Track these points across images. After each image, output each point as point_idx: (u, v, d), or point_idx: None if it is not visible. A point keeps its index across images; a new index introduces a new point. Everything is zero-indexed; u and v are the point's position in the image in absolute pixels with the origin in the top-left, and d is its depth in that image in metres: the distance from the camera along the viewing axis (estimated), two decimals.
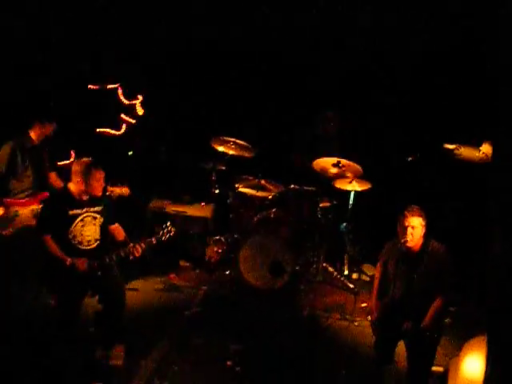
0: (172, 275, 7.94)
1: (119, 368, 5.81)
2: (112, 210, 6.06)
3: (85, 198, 5.76)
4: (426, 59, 8.36)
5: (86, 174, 5.67)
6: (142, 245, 5.80)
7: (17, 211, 6.63)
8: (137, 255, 5.79)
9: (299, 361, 6.31)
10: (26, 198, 6.71)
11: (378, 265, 5.68)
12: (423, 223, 5.21)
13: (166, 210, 8.20)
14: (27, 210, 6.67)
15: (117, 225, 6.07)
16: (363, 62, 8.67)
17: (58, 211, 5.67)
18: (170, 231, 5.97)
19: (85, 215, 5.75)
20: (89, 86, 8.71)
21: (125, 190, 6.87)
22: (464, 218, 7.84)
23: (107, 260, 5.72)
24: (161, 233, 5.94)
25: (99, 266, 5.66)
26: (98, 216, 5.84)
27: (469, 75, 8.05)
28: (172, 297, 7.46)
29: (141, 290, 7.46)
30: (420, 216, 5.21)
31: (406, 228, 5.18)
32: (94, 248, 5.82)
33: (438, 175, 8.14)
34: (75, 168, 5.77)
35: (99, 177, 5.72)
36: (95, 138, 8.78)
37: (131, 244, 5.82)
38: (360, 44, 8.55)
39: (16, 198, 6.68)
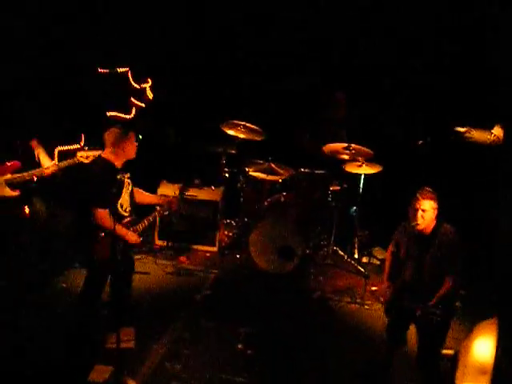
0: (183, 258, 7.97)
1: (130, 351, 5.84)
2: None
3: (119, 165, 5.71)
4: (436, 41, 8.31)
5: (124, 139, 5.67)
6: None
7: None
8: (174, 209, 6.04)
9: (309, 344, 6.33)
10: None
11: (390, 246, 5.67)
12: (435, 206, 5.19)
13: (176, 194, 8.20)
14: (0, 180, 6.50)
15: (137, 188, 6.05)
16: (372, 42, 8.62)
17: (108, 181, 5.55)
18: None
19: (125, 181, 5.74)
20: (99, 70, 8.70)
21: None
22: (475, 200, 7.81)
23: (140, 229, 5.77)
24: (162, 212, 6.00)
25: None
26: (130, 182, 5.82)
27: (481, 58, 7.99)
28: (183, 280, 7.49)
29: (152, 274, 7.49)
30: (431, 199, 5.18)
31: (416, 211, 5.17)
32: (128, 216, 5.78)
33: (450, 158, 8.10)
34: (110, 137, 5.72)
35: (134, 139, 5.75)
36: (106, 121, 8.77)
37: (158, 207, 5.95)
38: (369, 25, 8.51)
39: None
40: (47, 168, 6.50)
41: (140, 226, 5.77)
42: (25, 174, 6.50)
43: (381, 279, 5.85)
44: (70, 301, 6.27)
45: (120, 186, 5.64)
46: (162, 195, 6.08)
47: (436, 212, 5.22)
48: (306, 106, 8.78)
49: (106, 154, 5.71)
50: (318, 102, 8.61)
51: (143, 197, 6.11)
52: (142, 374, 5.61)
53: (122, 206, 5.68)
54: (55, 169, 6.47)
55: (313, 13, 8.68)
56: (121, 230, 5.55)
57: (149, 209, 6.09)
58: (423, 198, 5.18)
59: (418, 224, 5.18)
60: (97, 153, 5.95)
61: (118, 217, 5.55)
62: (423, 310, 5.05)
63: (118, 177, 5.64)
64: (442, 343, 5.42)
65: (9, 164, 6.54)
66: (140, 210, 6.00)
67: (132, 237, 5.64)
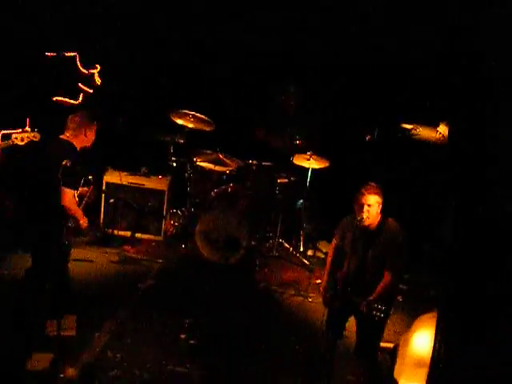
0: (127, 247, 7.91)
1: (72, 339, 5.77)
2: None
3: (89, 147, 5.76)
4: (385, 36, 8.40)
5: (89, 125, 5.64)
6: None
7: None
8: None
9: (253, 335, 6.36)
10: None
11: (334, 239, 5.70)
12: (380, 200, 5.24)
13: (123, 182, 8.12)
14: None
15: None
16: (324, 36, 8.67)
17: (77, 161, 5.56)
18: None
19: None
20: (46, 54, 8.54)
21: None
22: (419, 196, 7.94)
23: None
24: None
25: None
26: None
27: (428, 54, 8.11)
28: (127, 269, 7.43)
29: (96, 262, 7.41)
30: (376, 194, 5.23)
31: (362, 206, 5.21)
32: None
33: (395, 154, 8.21)
34: (76, 120, 5.66)
35: (95, 129, 5.70)
36: (52, 106, 8.62)
37: None
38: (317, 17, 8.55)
39: None
40: None
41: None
42: None
43: (323, 269, 5.88)
44: (10, 287, 6.17)
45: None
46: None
47: (381, 206, 5.28)
48: (256, 99, 8.79)
49: (67, 136, 5.66)
50: (270, 94, 8.63)
51: None
52: (82, 362, 5.54)
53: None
54: None
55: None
56: (80, 212, 5.60)
57: None
58: (368, 193, 5.22)
59: (363, 218, 5.23)
60: (32, 135, 5.85)
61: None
62: (367, 305, 5.10)
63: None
64: (380, 336, 5.49)
65: None
66: None
67: (85, 221, 5.64)
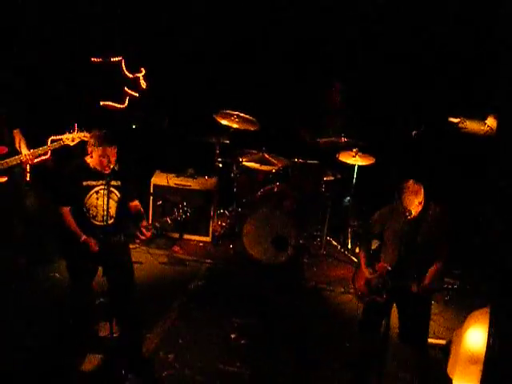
0: (176, 248, 7.97)
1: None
2: (132, 185, 5.70)
3: (101, 170, 5.39)
4: (430, 30, 8.32)
5: (93, 147, 5.37)
6: (152, 226, 5.57)
7: None
8: (147, 236, 5.55)
9: (303, 334, 6.35)
10: None
11: (370, 230, 5.64)
12: (421, 200, 5.16)
13: (170, 184, 8.18)
14: None
15: (136, 202, 5.72)
16: (367, 33, 8.63)
17: (73, 181, 5.43)
18: (186, 211, 5.79)
19: (100, 188, 5.42)
20: (92, 59, 8.67)
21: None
22: (468, 191, 7.83)
23: (119, 239, 5.49)
24: (176, 213, 5.78)
25: (107, 244, 5.40)
26: (114, 191, 5.46)
27: (475, 46, 8.00)
28: (176, 270, 7.49)
29: (145, 263, 7.48)
30: (416, 196, 5.14)
31: (404, 207, 5.15)
32: (110, 224, 5.49)
33: (443, 148, 8.11)
34: (88, 140, 5.55)
35: (104, 153, 5.32)
36: (99, 111, 8.75)
37: (144, 223, 5.56)
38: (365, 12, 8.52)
39: None
40: (26, 155, 6.52)
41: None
42: (11, 159, 6.53)
43: (358, 264, 5.80)
44: (62, 291, 6.28)
45: (87, 188, 5.40)
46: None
47: (423, 201, 5.19)
48: (301, 96, 8.77)
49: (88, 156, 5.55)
50: (315, 92, 8.60)
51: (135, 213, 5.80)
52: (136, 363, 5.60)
53: (88, 210, 5.45)
54: (44, 157, 6.48)
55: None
56: (78, 231, 5.39)
57: None
58: (409, 195, 5.11)
59: (406, 216, 5.15)
60: (82, 134, 5.90)
61: (84, 220, 5.44)
62: (423, 287, 5.06)
63: (93, 182, 5.40)
64: (427, 317, 5.43)
65: None
66: None
67: (91, 243, 5.36)
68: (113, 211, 5.50)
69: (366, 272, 5.45)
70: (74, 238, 5.39)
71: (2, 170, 6.54)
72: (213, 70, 9.06)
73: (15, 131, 6.71)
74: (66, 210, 5.43)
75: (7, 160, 6.53)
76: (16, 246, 6.95)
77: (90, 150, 5.41)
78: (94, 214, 5.44)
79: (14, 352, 5.56)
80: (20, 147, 6.66)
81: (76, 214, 5.44)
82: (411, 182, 5.18)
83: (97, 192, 5.41)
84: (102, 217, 5.42)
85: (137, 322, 5.71)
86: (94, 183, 5.40)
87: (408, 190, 5.13)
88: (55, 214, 5.49)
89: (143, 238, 5.52)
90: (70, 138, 6.38)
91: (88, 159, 5.44)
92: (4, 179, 6.58)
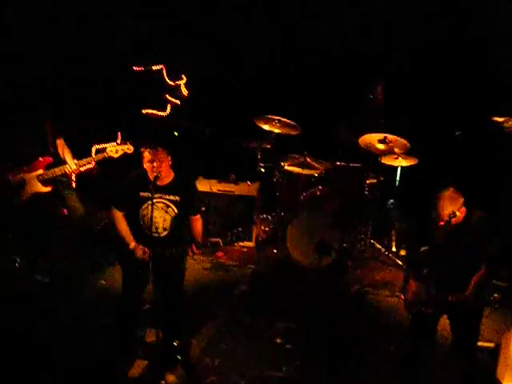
0: (220, 254, 8.00)
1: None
2: (191, 199, 5.64)
3: (161, 183, 5.42)
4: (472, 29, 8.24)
5: (143, 154, 5.43)
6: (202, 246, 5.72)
7: (22, 177, 6.62)
8: (196, 254, 5.72)
9: (348, 338, 6.31)
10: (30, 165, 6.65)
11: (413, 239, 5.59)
12: (457, 208, 5.08)
13: (212, 190, 8.23)
14: (33, 175, 6.63)
15: (197, 217, 5.73)
16: (409, 33, 8.57)
17: (130, 190, 5.49)
18: (238, 236, 5.76)
19: (157, 200, 5.41)
20: (134, 68, 8.78)
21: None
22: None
23: (173, 252, 5.53)
24: (229, 237, 5.77)
25: (160, 255, 5.44)
26: (171, 205, 5.45)
27: None
28: (220, 276, 7.52)
29: (189, 269, 7.46)
30: (451, 204, 5.07)
31: (439, 214, 5.09)
32: (164, 237, 5.51)
33: (487, 149, 7.99)
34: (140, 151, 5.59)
35: (152, 157, 5.34)
36: (141, 119, 8.85)
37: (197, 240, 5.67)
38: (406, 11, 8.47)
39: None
40: (73, 165, 6.61)
41: None
42: (56, 169, 6.63)
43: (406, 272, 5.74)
44: (110, 297, 6.36)
45: (143, 199, 5.41)
46: None
47: (462, 208, 5.11)
48: (341, 98, 8.74)
49: None
50: (357, 92, 8.55)
51: (193, 228, 5.79)
52: (181, 368, 5.64)
53: (143, 221, 5.47)
54: (89, 166, 6.57)
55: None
56: (128, 237, 5.47)
57: None
58: (444, 203, 5.06)
59: (442, 224, 5.09)
60: (126, 147, 5.96)
61: (139, 229, 5.49)
62: (463, 298, 5.00)
63: (150, 194, 5.37)
64: (476, 333, 5.35)
65: (41, 159, 6.66)
66: None
67: (138, 251, 5.43)
68: (167, 224, 5.50)
69: (413, 285, 5.40)
70: (125, 244, 5.46)
71: (47, 180, 6.66)
72: (254, 74, 9.08)
73: (59, 141, 6.82)
74: (120, 214, 5.50)
75: (52, 170, 6.64)
76: (64, 255, 7.05)
77: (143, 160, 5.47)
78: (148, 224, 5.42)
79: (63, 358, 5.64)
80: (64, 157, 6.76)
81: (131, 223, 5.50)
82: (451, 189, 5.12)
83: (153, 204, 5.37)
84: (156, 228, 5.45)
85: (180, 328, 5.78)
86: (150, 195, 5.37)
87: (445, 198, 5.07)
88: (108, 218, 5.57)
89: (191, 254, 5.66)
90: (114, 150, 6.44)
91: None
92: (48, 189, 6.68)
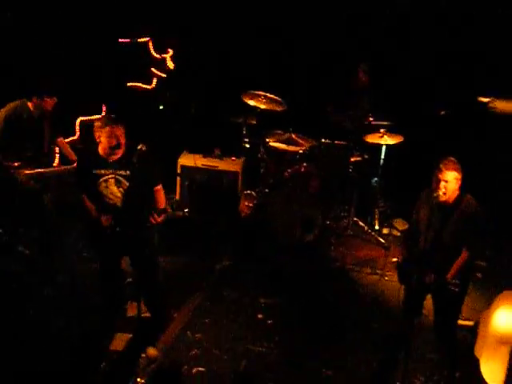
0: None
1: (151, 320, 5.88)
2: (150, 171, 5.56)
3: (111, 158, 5.34)
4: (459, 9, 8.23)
5: (101, 129, 5.31)
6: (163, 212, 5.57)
7: (13, 174, 6.46)
8: (158, 221, 5.52)
9: (329, 314, 6.36)
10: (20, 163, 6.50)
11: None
12: (458, 177, 5.12)
13: (197, 164, 8.20)
14: (22, 174, 6.46)
15: (158, 188, 5.63)
16: (396, 12, 8.55)
17: (84, 170, 5.47)
18: None
19: (109, 176, 5.37)
20: (119, 40, 8.69)
21: None
22: (497, 171, 7.75)
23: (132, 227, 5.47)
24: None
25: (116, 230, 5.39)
26: (122, 180, 5.38)
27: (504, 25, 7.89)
28: (203, 250, 7.51)
29: (172, 244, 7.50)
30: (455, 170, 5.11)
31: (439, 181, 5.11)
32: (122, 210, 5.44)
33: (472, 128, 8.02)
34: (95, 124, 5.63)
35: (111, 133, 5.22)
36: (126, 92, 8.78)
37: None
38: None
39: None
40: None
41: None
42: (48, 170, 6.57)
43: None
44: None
45: (96, 176, 5.36)
46: None
47: (459, 183, 5.16)
48: (327, 77, 8.72)
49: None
50: (342, 72, 8.54)
51: (157, 199, 5.71)
52: (162, 342, 5.67)
53: (103, 197, 5.43)
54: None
55: None
56: (93, 211, 5.48)
57: None
58: (446, 169, 5.11)
59: (440, 195, 5.14)
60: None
61: (103, 205, 5.46)
62: (443, 281, 5.03)
63: (102, 170, 5.34)
64: (457, 313, 5.41)
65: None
66: None
67: (102, 219, 5.41)
68: (122, 198, 5.45)
69: (399, 256, 5.46)
70: (93, 220, 5.45)
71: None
72: (240, 50, 9.03)
73: (59, 140, 6.80)
74: (84, 196, 5.49)
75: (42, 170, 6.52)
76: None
77: (97, 135, 5.47)
78: (107, 200, 5.43)
79: (43, 332, 5.64)
80: (68, 155, 6.75)
81: (93, 199, 5.48)
82: (451, 158, 5.15)
83: (105, 181, 5.37)
84: (115, 204, 5.43)
85: (161, 303, 5.78)
86: (102, 171, 5.36)
87: (446, 163, 5.10)
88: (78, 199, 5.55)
89: (154, 222, 5.49)
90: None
91: (99, 147, 5.39)
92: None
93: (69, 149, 6.81)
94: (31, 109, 6.49)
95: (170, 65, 9.02)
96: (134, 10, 8.62)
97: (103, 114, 7.91)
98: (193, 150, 8.37)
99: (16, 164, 6.42)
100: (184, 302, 6.34)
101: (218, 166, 8.24)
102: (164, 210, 5.58)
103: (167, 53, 9.01)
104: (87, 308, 5.93)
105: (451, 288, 4.97)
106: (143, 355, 5.29)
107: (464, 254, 5.14)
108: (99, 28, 8.43)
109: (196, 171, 8.19)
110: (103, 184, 5.37)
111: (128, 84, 8.81)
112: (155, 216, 5.47)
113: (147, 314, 5.76)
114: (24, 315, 5.86)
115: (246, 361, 5.58)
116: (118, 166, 5.37)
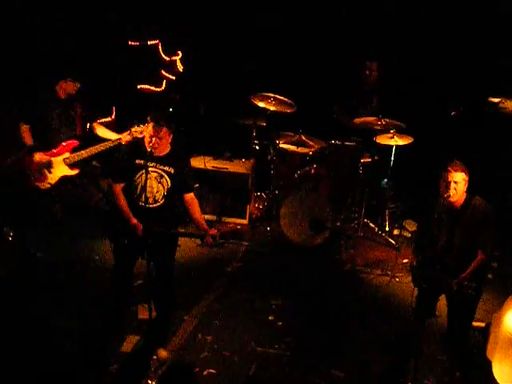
0: (214, 231, 7.97)
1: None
2: (187, 177, 5.56)
3: (157, 154, 5.34)
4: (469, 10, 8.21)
5: (147, 124, 5.36)
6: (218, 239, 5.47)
7: (49, 160, 6.66)
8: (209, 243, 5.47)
9: (340, 316, 6.35)
10: (57, 149, 6.70)
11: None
12: (466, 178, 5.17)
13: (207, 167, 8.20)
14: (59, 159, 6.68)
15: (192, 195, 5.58)
16: (404, 10, 8.53)
17: (126, 158, 5.47)
18: None
19: (151, 169, 5.31)
20: (129, 43, 8.71)
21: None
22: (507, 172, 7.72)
23: (166, 226, 5.44)
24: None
25: (151, 234, 5.27)
26: (165, 176, 5.37)
27: None
28: (213, 253, 7.51)
29: (182, 246, 7.48)
30: (462, 171, 5.16)
31: (448, 183, 5.15)
32: (154, 209, 5.41)
33: (482, 129, 7.99)
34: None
35: (154, 132, 5.24)
36: (136, 94, 8.80)
37: (208, 231, 5.47)
38: None
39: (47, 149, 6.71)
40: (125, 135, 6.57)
41: None
42: (83, 152, 6.68)
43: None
44: (102, 272, 6.37)
45: (138, 167, 5.33)
46: None
47: (467, 184, 5.18)
48: (336, 78, 8.70)
49: None
50: (351, 72, 8.52)
51: (191, 209, 5.63)
52: (173, 344, 5.67)
53: (136, 189, 5.38)
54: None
55: None
56: (128, 214, 5.36)
57: None
58: (455, 171, 5.15)
59: (450, 196, 5.16)
60: (147, 127, 5.67)
61: (133, 200, 5.41)
62: (458, 284, 5.03)
63: (140, 161, 5.31)
64: (472, 316, 5.41)
65: (64, 144, 6.70)
66: None
67: (139, 230, 5.32)
68: (159, 196, 5.42)
69: (413, 259, 5.49)
70: (123, 220, 5.37)
71: (74, 162, 6.70)
72: (249, 51, 9.03)
73: (95, 124, 7.03)
74: (119, 188, 5.41)
75: (83, 151, 6.69)
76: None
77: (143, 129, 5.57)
78: (140, 193, 5.34)
79: (54, 333, 5.64)
80: (105, 136, 6.83)
81: (125, 193, 5.41)
82: (457, 161, 5.18)
83: (147, 173, 5.26)
84: (147, 199, 5.34)
85: (171, 305, 5.76)
86: (144, 163, 5.26)
87: (453, 165, 5.13)
88: (109, 192, 5.54)
89: (210, 241, 5.44)
90: (139, 131, 6.31)
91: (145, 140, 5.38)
92: (76, 171, 6.75)
93: (107, 131, 6.90)
94: (60, 93, 6.75)
95: (180, 67, 9.04)
96: (143, 12, 8.65)
97: (113, 116, 7.94)
98: (203, 152, 8.37)
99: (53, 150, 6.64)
100: (194, 305, 6.33)
101: (227, 168, 8.25)
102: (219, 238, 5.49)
103: (177, 55, 9.03)
104: (97, 309, 5.93)
105: (469, 291, 4.98)
106: (154, 357, 5.31)
107: (480, 257, 5.14)
108: (109, 30, 8.46)
109: (206, 174, 8.19)
110: (143, 176, 5.25)
111: (138, 86, 8.83)
112: (210, 240, 5.42)
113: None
114: (34, 317, 5.86)
115: (257, 363, 5.56)
116: (163, 161, 5.38)
